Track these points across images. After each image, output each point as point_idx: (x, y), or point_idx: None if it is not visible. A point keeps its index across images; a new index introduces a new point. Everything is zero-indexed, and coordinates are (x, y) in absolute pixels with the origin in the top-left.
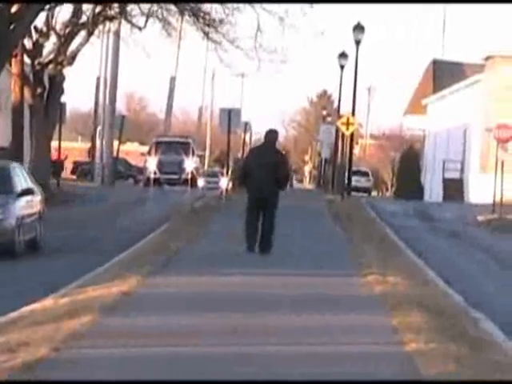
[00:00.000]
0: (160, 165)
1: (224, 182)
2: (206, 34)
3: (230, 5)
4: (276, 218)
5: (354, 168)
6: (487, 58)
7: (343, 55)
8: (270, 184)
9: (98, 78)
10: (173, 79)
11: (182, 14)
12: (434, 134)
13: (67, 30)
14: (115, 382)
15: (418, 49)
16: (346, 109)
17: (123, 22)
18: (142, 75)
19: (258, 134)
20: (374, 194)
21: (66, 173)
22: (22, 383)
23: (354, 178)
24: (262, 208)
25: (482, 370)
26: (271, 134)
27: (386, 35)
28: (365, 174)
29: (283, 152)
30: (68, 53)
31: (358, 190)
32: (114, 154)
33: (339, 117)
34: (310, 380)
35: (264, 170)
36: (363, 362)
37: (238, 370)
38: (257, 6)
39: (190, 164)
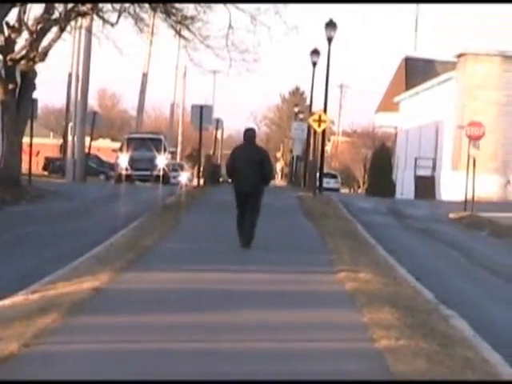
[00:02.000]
0: (132, 161)
1: (184, 177)
2: (178, 32)
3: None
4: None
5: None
6: (459, 56)
7: (315, 52)
8: (257, 180)
9: (70, 74)
10: (145, 76)
11: (154, 10)
12: (405, 132)
13: (39, 26)
14: (115, 381)
15: (390, 46)
16: (318, 106)
17: (95, 17)
18: (114, 71)
19: (229, 131)
20: (345, 191)
21: (38, 169)
22: (22, 383)
23: (324, 180)
24: (248, 203)
25: (453, 366)
26: (249, 132)
27: (358, 32)
28: (334, 177)
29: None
30: (40, 49)
31: (327, 190)
32: (86, 150)
33: (311, 114)
34: (305, 380)
35: (250, 167)
36: (333, 358)
37: (206, 366)
38: (228, 3)
39: (161, 160)
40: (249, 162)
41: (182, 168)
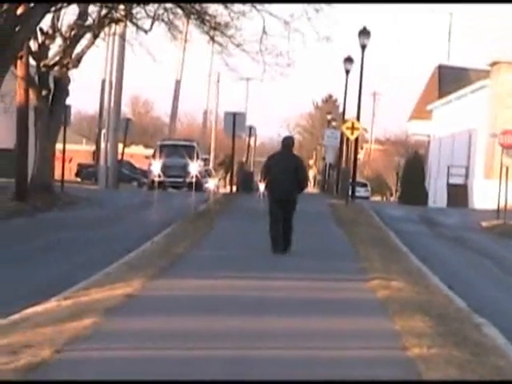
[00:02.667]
0: (164, 168)
1: (211, 184)
2: (212, 38)
3: (235, 8)
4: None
5: None
6: (493, 64)
7: (349, 60)
8: (292, 187)
9: (104, 81)
10: (178, 82)
11: (187, 17)
12: (438, 140)
13: (73, 33)
14: (115, 382)
15: (423, 54)
16: (351, 113)
17: (129, 24)
18: (147, 78)
19: (262, 138)
20: (378, 199)
21: (71, 175)
22: (22, 383)
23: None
24: (282, 210)
25: (484, 374)
26: (288, 140)
27: (391, 40)
28: (364, 185)
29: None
30: (73, 55)
31: (357, 198)
32: (119, 156)
33: (344, 121)
34: (310, 380)
35: (285, 174)
36: (366, 366)
37: (239, 373)
38: (262, 9)
39: (194, 167)
40: (284, 170)
41: (209, 174)
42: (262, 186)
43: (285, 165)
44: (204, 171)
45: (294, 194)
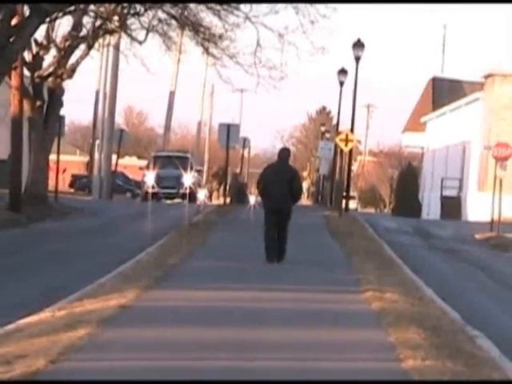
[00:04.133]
0: (158, 179)
1: (202, 194)
2: (206, 49)
3: (230, 20)
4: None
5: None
6: (487, 77)
7: (343, 72)
8: (286, 198)
9: (98, 92)
10: (172, 94)
11: (182, 28)
12: (432, 152)
13: (67, 43)
14: (115, 382)
15: (417, 66)
16: (345, 125)
17: (123, 35)
18: (141, 89)
19: (256, 150)
20: (371, 211)
21: (64, 186)
22: (22, 383)
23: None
24: (277, 221)
25: None
26: (284, 152)
27: (386, 52)
28: (352, 198)
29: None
30: (68, 66)
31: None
32: (113, 167)
33: (338, 133)
34: (310, 380)
35: (280, 185)
36: (360, 378)
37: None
38: (256, 21)
39: (188, 178)
40: (279, 180)
41: (199, 184)
42: (252, 199)
43: (280, 176)
44: (197, 182)
45: (288, 204)
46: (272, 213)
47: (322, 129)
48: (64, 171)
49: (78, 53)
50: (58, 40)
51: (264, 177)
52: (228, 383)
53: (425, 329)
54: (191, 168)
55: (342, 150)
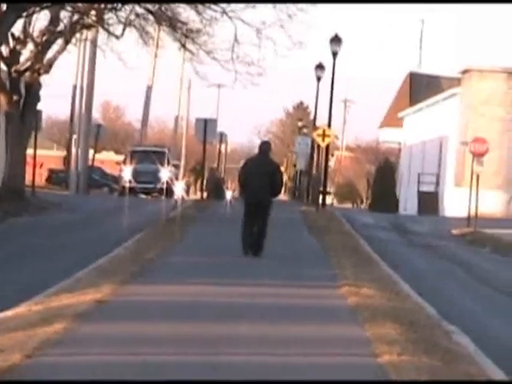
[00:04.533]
0: (135, 174)
1: (179, 188)
2: (183, 45)
3: (207, 15)
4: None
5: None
6: (464, 72)
7: (320, 67)
8: (267, 191)
9: (75, 87)
10: (149, 88)
11: (159, 23)
12: (409, 147)
13: (44, 38)
14: (113, 381)
15: (395, 61)
16: (322, 120)
17: (100, 30)
18: (118, 84)
19: (233, 145)
20: (348, 206)
21: (41, 180)
22: (22, 383)
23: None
24: (257, 214)
25: (455, 382)
26: (265, 145)
27: (363, 47)
28: (327, 193)
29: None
30: (45, 60)
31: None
32: (90, 162)
33: (315, 128)
34: (308, 380)
35: (261, 178)
36: (336, 373)
37: (205, 378)
38: (234, 16)
39: (165, 173)
40: (261, 174)
41: (176, 179)
42: (229, 194)
43: (262, 169)
44: (174, 177)
45: (268, 198)
46: (251, 205)
47: (299, 124)
48: (41, 166)
49: (55, 47)
50: (36, 34)
51: (245, 169)
52: (232, 383)
53: (401, 324)
54: (168, 163)
55: (319, 146)
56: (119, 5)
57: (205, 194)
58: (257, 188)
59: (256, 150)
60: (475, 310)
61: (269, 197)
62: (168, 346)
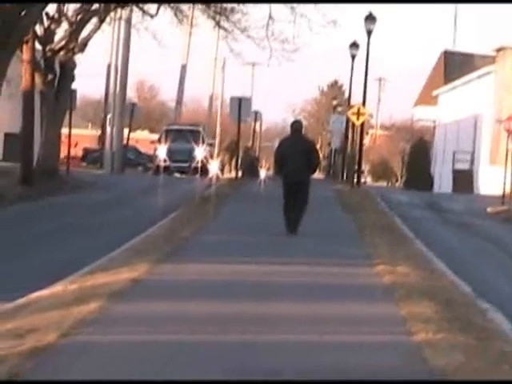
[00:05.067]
0: (170, 153)
1: (214, 166)
2: (217, 23)
3: None
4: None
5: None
6: (498, 50)
7: (354, 45)
8: (304, 169)
9: (109, 66)
10: (183, 67)
11: (193, 1)
12: (444, 125)
13: (79, 17)
14: (112, 382)
15: (429, 40)
16: (356, 99)
17: (135, 9)
18: (152, 63)
19: (267, 123)
20: (383, 184)
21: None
22: (22, 383)
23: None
24: (296, 193)
25: (490, 360)
26: (296, 124)
27: (398, 26)
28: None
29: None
30: (79, 40)
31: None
32: (124, 141)
33: (350, 107)
34: (310, 380)
35: (298, 157)
36: (372, 351)
37: (244, 358)
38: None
39: (200, 152)
40: (297, 153)
41: (211, 155)
42: (263, 173)
43: (297, 148)
44: (209, 156)
45: (306, 176)
46: (290, 185)
47: (334, 102)
48: (76, 145)
49: (89, 26)
50: (70, 14)
51: (281, 150)
52: (232, 383)
53: (436, 302)
54: (203, 142)
55: (353, 124)
56: None
57: (239, 173)
58: (294, 167)
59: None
60: (509, 287)
61: (307, 175)
62: (204, 325)
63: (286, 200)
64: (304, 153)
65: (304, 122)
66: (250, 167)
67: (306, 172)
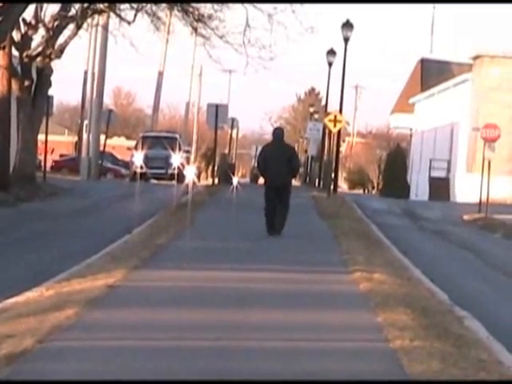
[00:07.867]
0: (147, 159)
1: (191, 173)
2: (195, 29)
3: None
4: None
5: None
6: (475, 58)
7: (331, 52)
8: (286, 174)
9: (86, 72)
10: (160, 74)
11: (171, 8)
12: (420, 133)
13: (56, 23)
14: (115, 381)
15: (406, 47)
16: (333, 106)
17: (112, 15)
18: (129, 70)
19: (244, 130)
20: (359, 191)
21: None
22: (22, 383)
23: None
24: (278, 196)
25: (467, 367)
26: (278, 131)
27: (374, 33)
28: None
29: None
30: (56, 46)
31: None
32: (101, 148)
33: (327, 114)
34: (308, 380)
35: (280, 163)
36: (347, 358)
37: (219, 365)
38: (246, 1)
39: (176, 159)
40: (279, 158)
41: (188, 162)
42: (235, 180)
43: (279, 154)
44: (186, 162)
45: (288, 182)
46: (273, 190)
47: (311, 110)
48: (52, 151)
49: (66, 33)
50: (47, 20)
51: (263, 156)
52: (232, 383)
53: (413, 309)
54: (179, 148)
55: (330, 131)
56: None
57: (216, 180)
58: (277, 172)
59: (267, 136)
60: (487, 295)
61: (289, 179)
62: (179, 331)
63: (267, 203)
64: (286, 158)
65: None
66: (226, 174)
67: (288, 176)
